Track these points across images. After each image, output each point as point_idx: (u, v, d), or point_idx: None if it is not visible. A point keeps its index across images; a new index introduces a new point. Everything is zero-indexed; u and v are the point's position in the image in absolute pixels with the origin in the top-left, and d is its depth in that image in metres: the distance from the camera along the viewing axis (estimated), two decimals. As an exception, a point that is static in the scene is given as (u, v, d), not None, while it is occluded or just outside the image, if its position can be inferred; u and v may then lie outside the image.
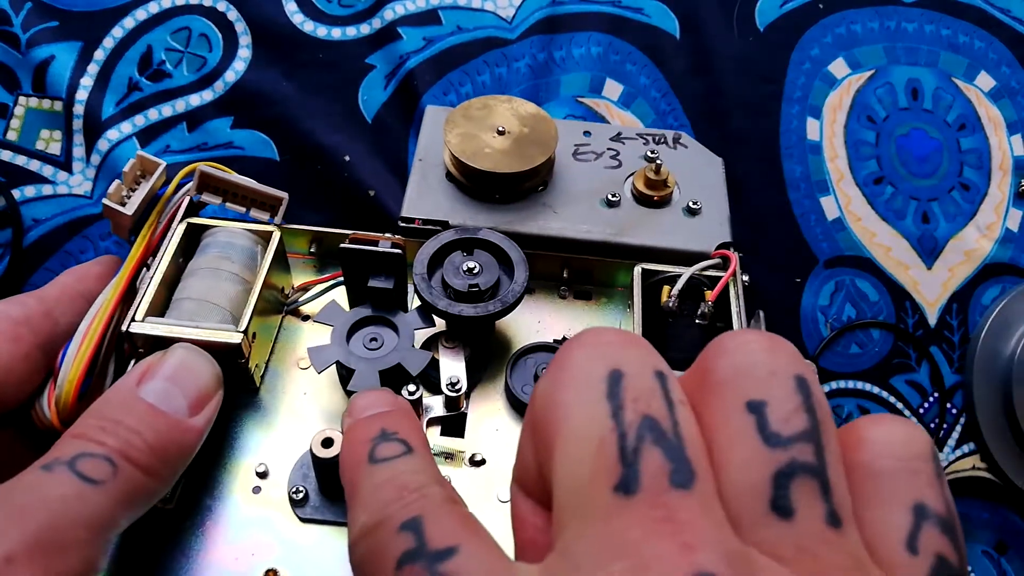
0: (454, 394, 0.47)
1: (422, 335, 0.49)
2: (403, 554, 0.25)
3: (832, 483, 0.23)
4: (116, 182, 0.47)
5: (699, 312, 0.48)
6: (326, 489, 0.44)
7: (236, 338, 0.43)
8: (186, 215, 0.49)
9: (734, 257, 0.50)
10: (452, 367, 0.47)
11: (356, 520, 0.29)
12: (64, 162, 0.66)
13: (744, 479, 0.23)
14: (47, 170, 0.66)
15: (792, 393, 0.25)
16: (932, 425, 0.65)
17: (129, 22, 0.70)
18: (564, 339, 0.51)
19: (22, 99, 0.68)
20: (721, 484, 0.24)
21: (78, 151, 0.67)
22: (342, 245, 0.47)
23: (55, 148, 0.67)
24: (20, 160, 0.66)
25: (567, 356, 0.26)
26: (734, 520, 0.23)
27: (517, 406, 0.48)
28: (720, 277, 0.49)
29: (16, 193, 0.65)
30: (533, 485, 0.28)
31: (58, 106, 0.68)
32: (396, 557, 0.25)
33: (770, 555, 0.22)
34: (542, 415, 0.26)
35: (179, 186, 0.49)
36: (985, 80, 0.73)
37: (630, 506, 0.22)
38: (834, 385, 0.64)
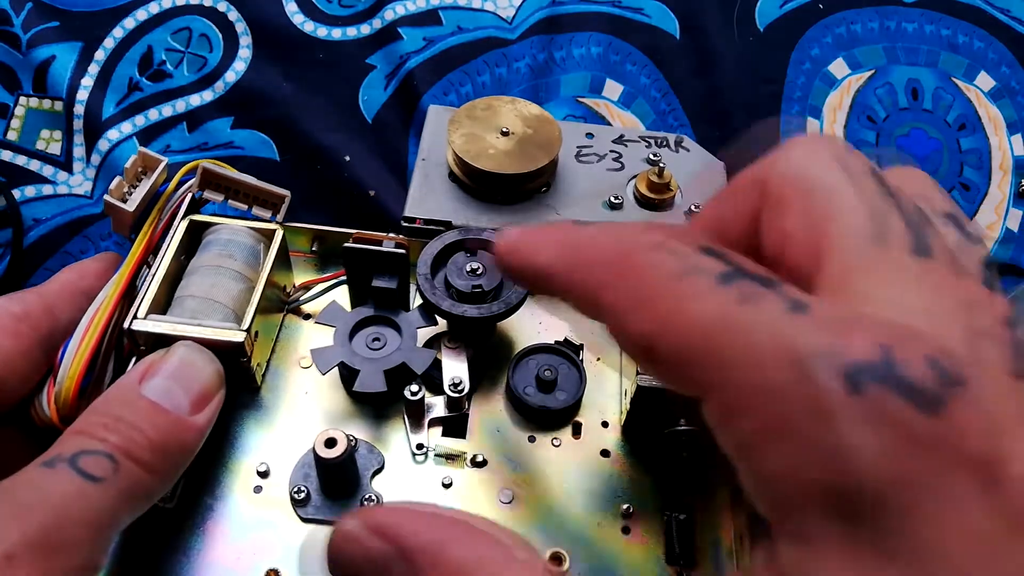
0: (456, 395, 0.46)
1: (424, 334, 0.49)
2: (724, 272, 0.25)
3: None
4: (117, 179, 0.47)
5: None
6: (328, 489, 0.44)
7: (239, 337, 0.43)
8: (188, 212, 0.49)
9: None
10: (455, 368, 0.47)
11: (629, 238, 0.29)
12: (64, 162, 0.66)
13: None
14: (47, 170, 0.66)
15: (959, 208, 0.30)
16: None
17: (129, 22, 0.71)
18: (566, 340, 0.51)
19: (22, 99, 0.68)
20: None
21: (78, 151, 0.67)
22: (346, 244, 0.47)
23: (55, 148, 0.67)
24: (20, 160, 0.66)
25: (817, 147, 0.29)
26: None
27: (519, 407, 0.48)
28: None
29: (16, 193, 0.65)
30: (731, 244, 0.29)
31: (58, 106, 0.68)
32: (715, 274, 0.25)
33: None
34: (800, 193, 0.28)
35: (181, 183, 0.49)
36: (985, 80, 0.73)
37: (932, 266, 0.25)
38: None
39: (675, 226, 0.29)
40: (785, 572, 0.23)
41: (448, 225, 0.52)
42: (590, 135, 0.59)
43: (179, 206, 0.48)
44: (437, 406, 0.47)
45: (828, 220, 0.27)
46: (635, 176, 0.56)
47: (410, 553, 0.27)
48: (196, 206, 0.50)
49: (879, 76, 0.73)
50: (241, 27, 0.71)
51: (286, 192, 0.50)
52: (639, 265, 0.27)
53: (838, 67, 0.73)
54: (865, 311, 0.24)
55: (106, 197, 0.47)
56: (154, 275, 0.45)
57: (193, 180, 0.49)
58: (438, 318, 0.48)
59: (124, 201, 0.47)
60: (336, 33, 0.72)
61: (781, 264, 0.28)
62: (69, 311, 0.44)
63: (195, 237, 0.49)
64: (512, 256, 0.32)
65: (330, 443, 0.41)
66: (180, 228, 0.48)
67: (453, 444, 0.47)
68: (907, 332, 0.23)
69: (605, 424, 0.48)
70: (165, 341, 0.42)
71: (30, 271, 0.62)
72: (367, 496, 0.44)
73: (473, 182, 0.54)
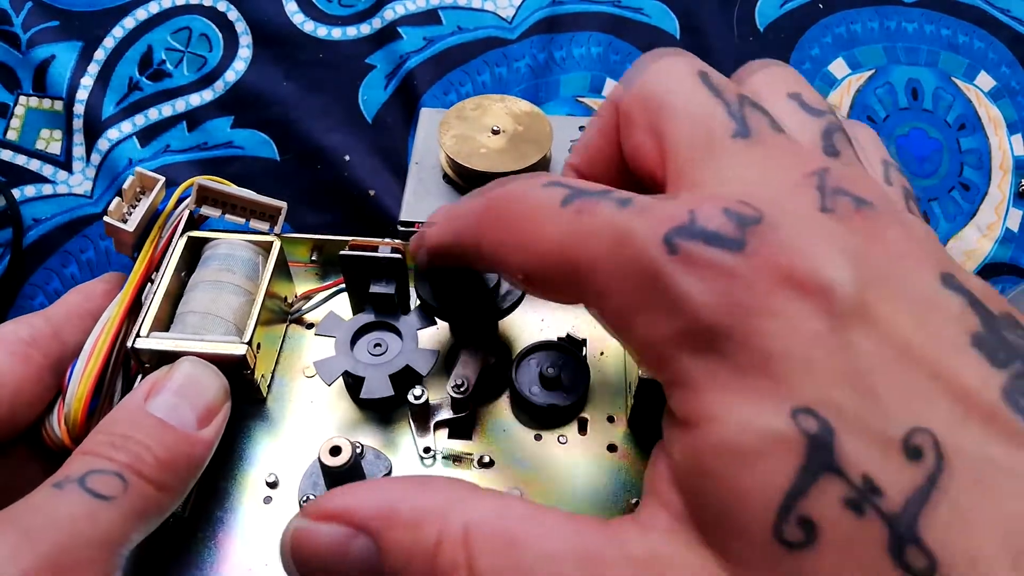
0: (460, 396, 0.47)
1: (425, 335, 0.49)
2: (564, 197, 0.30)
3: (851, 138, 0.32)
4: (116, 199, 0.48)
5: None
6: (335, 497, 0.44)
7: (240, 350, 0.43)
8: (187, 228, 0.49)
9: None
10: (462, 370, 0.47)
11: (488, 197, 0.34)
12: (64, 162, 0.66)
13: (804, 134, 0.31)
14: (47, 170, 0.66)
15: (814, 90, 0.34)
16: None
17: (129, 22, 0.70)
18: (568, 336, 0.51)
19: (22, 99, 0.68)
20: None
21: (78, 151, 0.67)
22: (342, 252, 0.47)
23: (55, 148, 0.67)
24: (20, 160, 0.66)
25: (655, 64, 0.33)
26: None
27: (523, 406, 0.48)
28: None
29: (16, 193, 0.65)
30: (603, 175, 0.36)
31: (58, 106, 0.68)
32: (557, 200, 0.30)
33: None
34: (643, 107, 0.33)
35: (179, 200, 0.49)
36: (985, 80, 0.73)
37: (750, 143, 0.29)
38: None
39: (528, 174, 0.34)
40: (680, 417, 0.26)
41: (444, 227, 0.52)
42: (583, 128, 0.59)
43: (178, 223, 0.49)
44: (443, 408, 0.48)
45: (663, 126, 0.31)
46: (628, 166, 0.56)
47: (363, 523, 0.29)
48: (196, 223, 0.50)
49: (879, 76, 0.73)
50: (241, 27, 0.71)
51: (282, 204, 0.50)
52: (498, 210, 0.32)
53: (838, 67, 0.73)
54: (682, 192, 0.30)
55: (105, 218, 0.47)
56: (155, 293, 0.46)
57: (190, 197, 0.49)
58: (439, 320, 0.48)
59: (124, 221, 0.47)
60: (336, 33, 0.71)
61: (642, 175, 0.33)
62: (76, 333, 0.45)
63: (195, 253, 0.49)
64: (416, 250, 0.39)
65: (335, 451, 0.41)
66: (179, 245, 0.48)
67: (460, 446, 0.47)
68: (709, 196, 0.27)
69: (611, 419, 0.49)
70: (169, 358, 0.43)
71: (30, 271, 0.63)
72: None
73: (467, 183, 0.54)
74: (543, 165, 0.55)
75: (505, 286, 0.48)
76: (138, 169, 0.49)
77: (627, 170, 0.35)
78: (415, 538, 0.28)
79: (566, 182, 0.30)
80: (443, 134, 0.54)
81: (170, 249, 0.48)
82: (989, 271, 0.67)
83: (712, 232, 0.25)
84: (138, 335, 0.44)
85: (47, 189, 0.65)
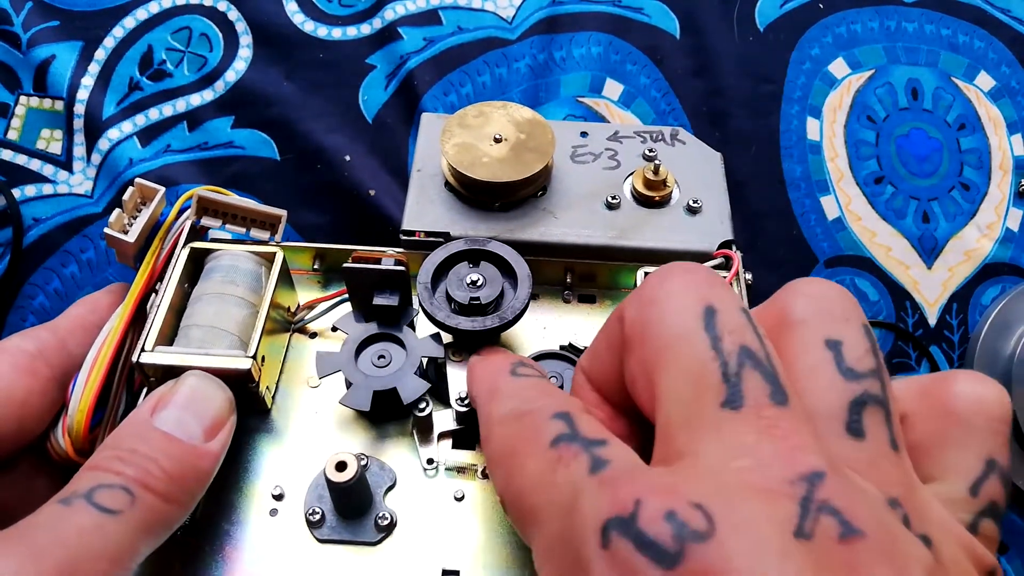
0: (464, 408, 0.46)
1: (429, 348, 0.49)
2: (557, 436, 0.29)
3: (892, 414, 0.28)
4: (117, 211, 0.48)
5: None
6: (342, 510, 0.44)
7: (246, 364, 0.43)
8: (190, 239, 0.49)
9: (736, 257, 0.50)
10: (463, 381, 0.47)
11: (500, 408, 0.33)
12: (65, 161, 0.67)
13: (823, 403, 0.28)
14: (48, 169, 0.66)
15: (863, 337, 0.29)
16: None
17: (130, 22, 0.70)
18: (570, 345, 0.51)
19: (23, 98, 0.68)
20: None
21: (79, 150, 0.67)
22: (345, 265, 0.47)
23: (56, 147, 0.67)
24: (21, 159, 0.66)
25: (662, 288, 0.30)
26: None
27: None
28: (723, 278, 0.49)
29: (16, 192, 0.65)
30: (606, 385, 0.34)
31: (59, 105, 0.68)
32: (550, 438, 0.29)
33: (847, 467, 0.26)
34: (640, 340, 0.30)
35: (181, 211, 0.50)
36: (985, 80, 0.73)
37: (738, 418, 0.26)
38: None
39: (551, 391, 0.34)
40: None
41: (447, 236, 0.52)
42: (584, 134, 0.59)
43: (180, 235, 0.49)
44: (446, 420, 0.47)
45: (655, 374, 0.29)
46: (631, 173, 0.56)
47: None
48: (198, 233, 0.50)
49: (879, 76, 0.73)
50: (241, 27, 0.71)
51: (282, 212, 0.50)
52: (495, 435, 0.33)
53: (838, 67, 0.73)
54: (654, 469, 0.27)
55: (106, 230, 0.47)
56: (159, 306, 0.46)
57: (190, 208, 0.49)
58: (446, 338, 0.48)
59: (125, 232, 0.48)
60: (336, 33, 0.71)
61: (638, 405, 0.31)
62: (83, 345, 0.45)
63: (198, 264, 0.49)
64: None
65: (341, 467, 0.41)
66: (181, 257, 0.48)
67: (464, 457, 0.47)
68: (663, 487, 0.24)
69: (614, 426, 0.48)
70: (174, 372, 0.43)
71: (30, 271, 0.63)
72: (381, 515, 0.44)
73: (468, 192, 0.54)
74: (546, 173, 0.55)
75: (508, 299, 0.48)
76: (138, 180, 0.49)
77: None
78: None
79: (571, 416, 0.30)
80: (445, 142, 0.54)
81: (172, 261, 0.48)
82: (989, 271, 0.68)
83: (649, 539, 0.23)
84: (143, 349, 0.44)
85: (47, 189, 0.66)
